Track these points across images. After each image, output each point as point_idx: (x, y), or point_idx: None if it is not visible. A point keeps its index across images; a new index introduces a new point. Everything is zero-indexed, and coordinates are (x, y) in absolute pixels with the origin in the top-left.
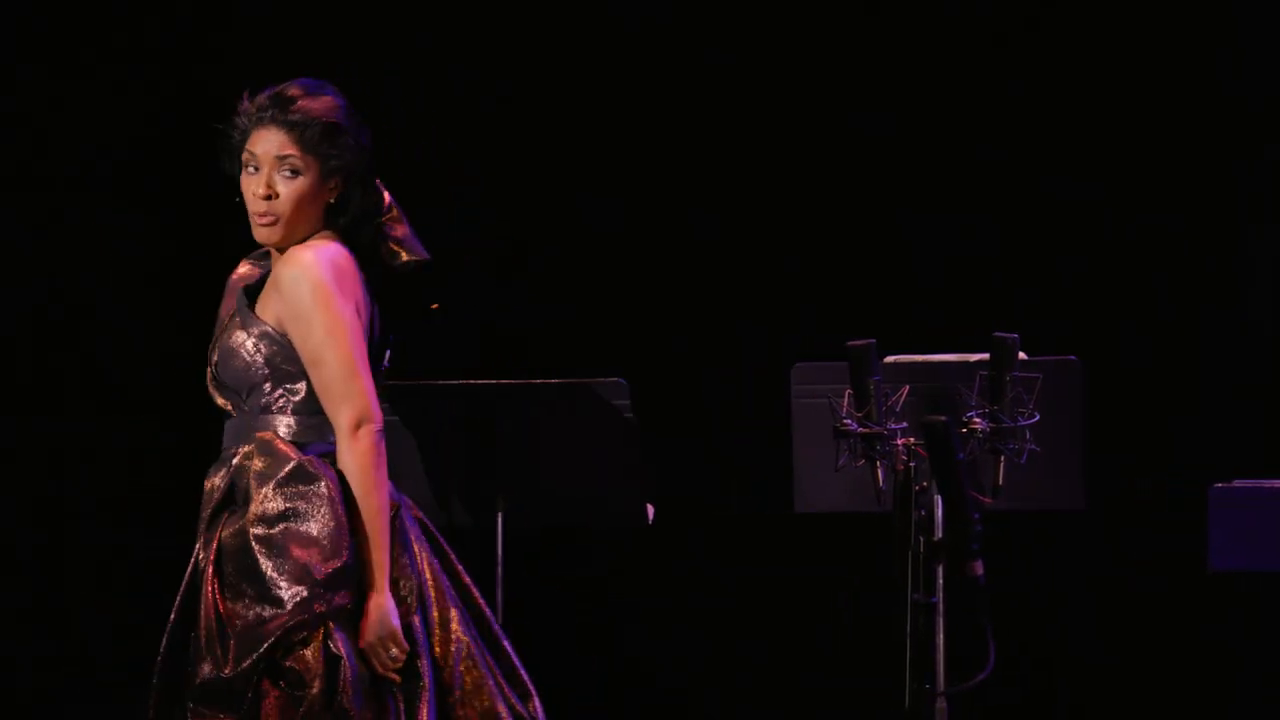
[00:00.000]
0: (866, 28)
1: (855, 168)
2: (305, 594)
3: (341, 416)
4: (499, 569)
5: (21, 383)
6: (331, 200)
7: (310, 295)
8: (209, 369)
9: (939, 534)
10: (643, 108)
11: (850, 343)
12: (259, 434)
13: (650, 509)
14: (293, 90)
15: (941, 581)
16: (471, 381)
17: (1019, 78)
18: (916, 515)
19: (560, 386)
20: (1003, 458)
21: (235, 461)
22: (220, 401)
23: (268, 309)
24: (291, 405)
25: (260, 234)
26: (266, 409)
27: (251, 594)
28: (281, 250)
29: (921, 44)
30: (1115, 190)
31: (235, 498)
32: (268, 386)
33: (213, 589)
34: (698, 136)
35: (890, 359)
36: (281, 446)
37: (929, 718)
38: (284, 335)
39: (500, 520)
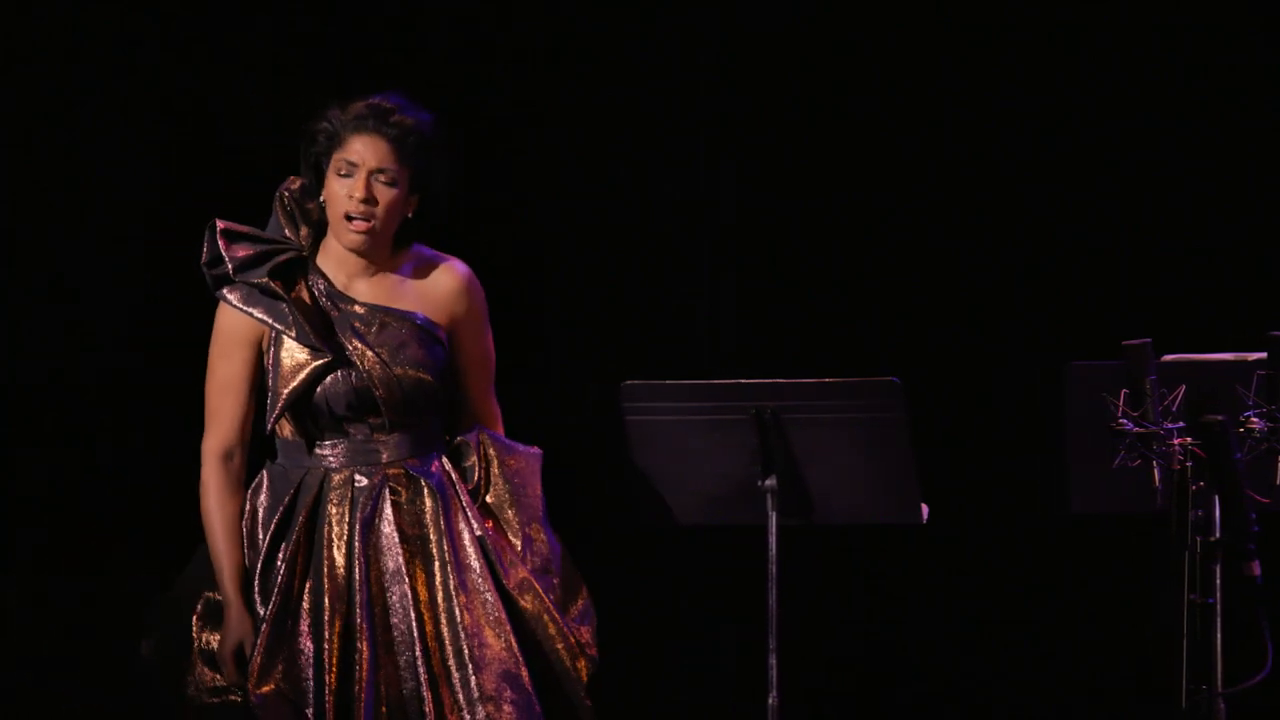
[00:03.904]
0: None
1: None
2: None
3: (496, 404)
4: (773, 568)
5: None
6: (409, 214)
7: (484, 303)
8: (363, 389)
9: (1216, 534)
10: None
11: (1126, 342)
12: (480, 433)
13: (925, 508)
14: (390, 103)
15: (1219, 582)
16: (745, 381)
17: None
18: (1193, 515)
19: (833, 385)
20: None
21: (477, 454)
22: (380, 419)
23: (436, 316)
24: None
25: (351, 238)
26: (442, 412)
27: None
28: (362, 255)
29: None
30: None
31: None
32: (444, 393)
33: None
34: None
35: (1168, 358)
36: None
37: (1207, 719)
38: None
39: (773, 520)
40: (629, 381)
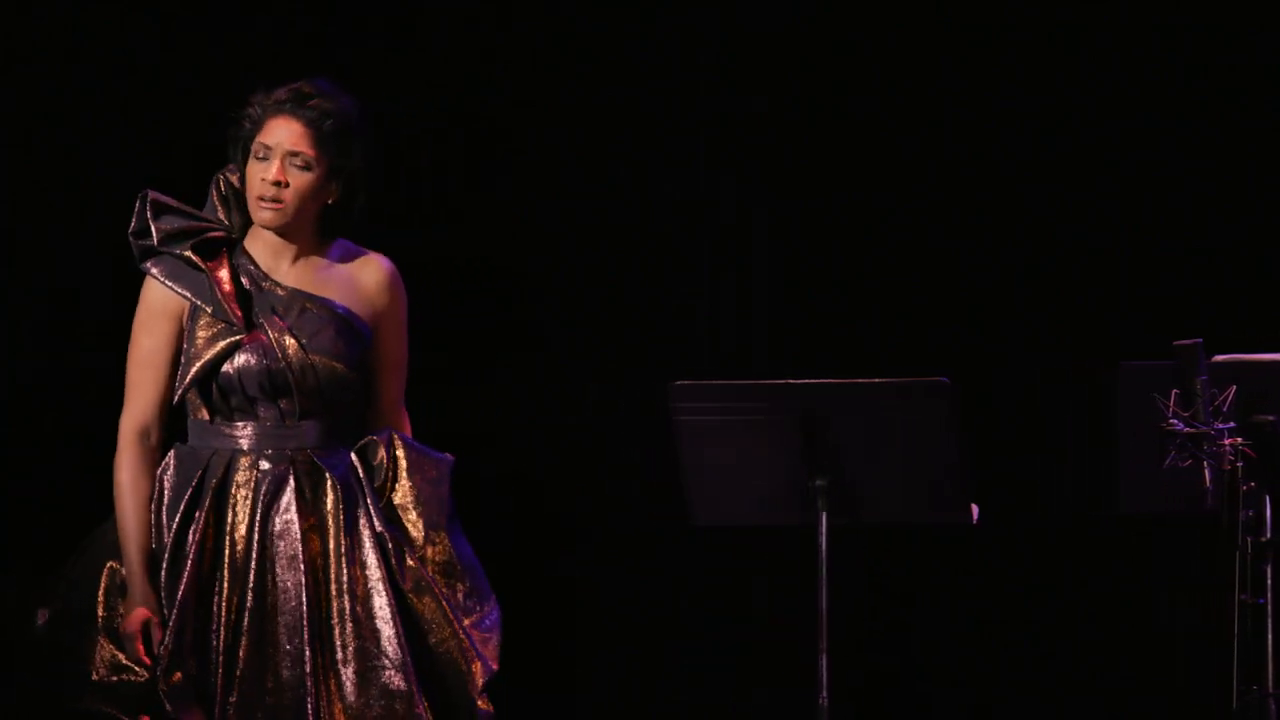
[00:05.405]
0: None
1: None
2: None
3: (406, 412)
4: (823, 569)
5: None
6: (330, 201)
7: (406, 303)
8: (271, 369)
9: (1266, 534)
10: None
11: (1177, 342)
12: (391, 433)
13: (975, 509)
14: (311, 87)
15: (1270, 582)
16: (794, 381)
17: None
18: (1244, 516)
19: (883, 385)
20: None
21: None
22: (291, 404)
23: (359, 309)
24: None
25: (263, 217)
26: (356, 405)
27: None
28: (286, 238)
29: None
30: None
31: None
32: (358, 386)
33: (440, 598)
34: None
35: (1219, 358)
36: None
37: (1258, 719)
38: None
39: (824, 520)
40: (678, 382)
